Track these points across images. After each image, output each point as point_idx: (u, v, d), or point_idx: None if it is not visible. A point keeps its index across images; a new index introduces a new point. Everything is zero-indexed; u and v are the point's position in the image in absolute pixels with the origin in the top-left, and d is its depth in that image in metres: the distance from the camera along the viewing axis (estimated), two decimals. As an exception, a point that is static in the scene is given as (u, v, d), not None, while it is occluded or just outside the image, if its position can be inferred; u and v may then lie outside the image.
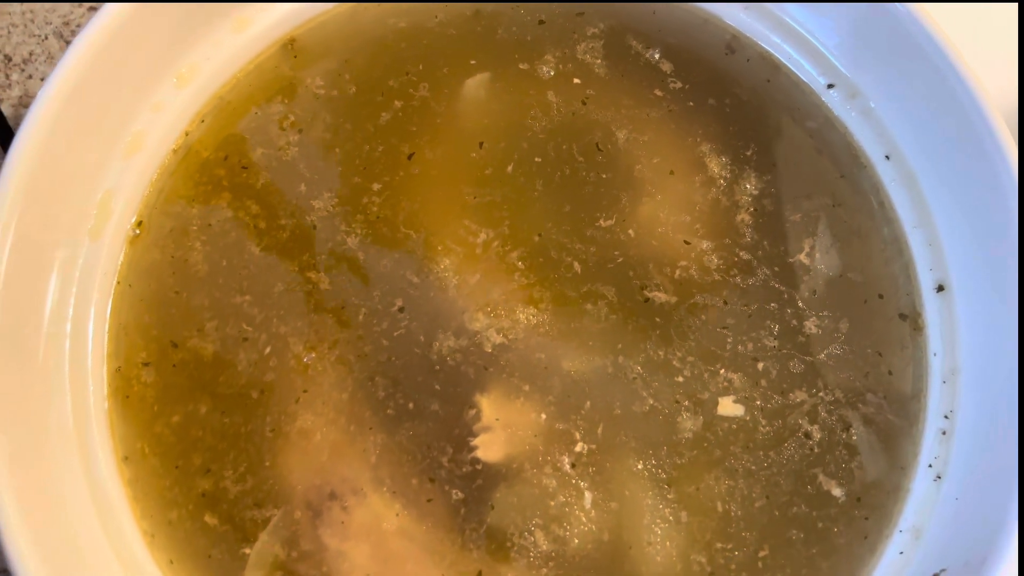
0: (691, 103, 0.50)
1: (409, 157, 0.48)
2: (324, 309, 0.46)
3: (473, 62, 0.50)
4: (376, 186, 0.48)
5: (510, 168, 0.49)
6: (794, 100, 0.51)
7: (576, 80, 0.50)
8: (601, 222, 0.48)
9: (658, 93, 0.50)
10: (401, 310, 0.46)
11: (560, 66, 0.51)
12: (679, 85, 0.51)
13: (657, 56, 0.51)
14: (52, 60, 0.60)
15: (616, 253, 0.47)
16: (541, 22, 0.51)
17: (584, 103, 0.50)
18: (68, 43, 0.60)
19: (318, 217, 0.47)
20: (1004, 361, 0.43)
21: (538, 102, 0.50)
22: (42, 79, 0.59)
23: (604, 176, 0.49)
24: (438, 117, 0.49)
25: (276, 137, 0.49)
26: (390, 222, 0.47)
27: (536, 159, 0.49)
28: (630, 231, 0.48)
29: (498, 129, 0.49)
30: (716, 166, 0.49)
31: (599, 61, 0.51)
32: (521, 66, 0.51)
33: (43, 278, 0.43)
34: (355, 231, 0.47)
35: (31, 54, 0.59)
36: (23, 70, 0.59)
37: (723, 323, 0.46)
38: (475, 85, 0.50)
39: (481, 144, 0.49)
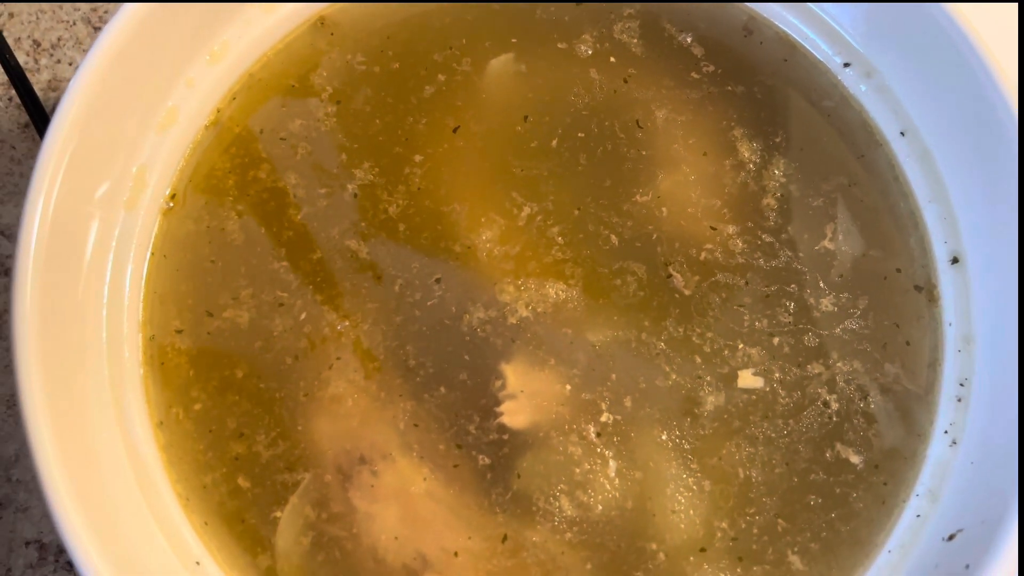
0: (728, 87, 0.52)
1: (455, 130, 0.49)
2: (360, 278, 0.47)
3: (514, 40, 0.52)
4: (418, 157, 0.49)
5: (555, 142, 0.50)
6: (811, 79, 0.52)
7: (612, 59, 0.52)
8: (638, 197, 0.49)
9: (694, 76, 0.52)
10: (438, 281, 0.47)
11: (597, 45, 0.52)
12: (711, 68, 0.52)
13: (689, 40, 0.52)
14: (80, 45, 0.61)
15: (650, 228, 0.48)
16: (578, 2, 0.53)
17: (626, 81, 0.51)
18: (96, 29, 0.62)
19: (359, 186, 0.48)
20: (1016, 328, 0.45)
21: (581, 79, 0.51)
22: (70, 64, 0.60)
23: (644, 153, 0.50)
24: (482, 92, 0.51)
25: (315, 109, 0.50)
26: (432, 194, 0.48)
27: (579, 134, 0.50)
28: (664, 208, 0.49)
29: (542, 104, 0.51)
30: (746, 150, 0.50)
31: (635, 41, 0.52)
32: (560, 45, 0.52)
33: (80, 248, 0.44)
34: (396, 201, 0.48)
35: (59, 39, 0.61)
36: (52, 55, 0.60)
37: (741, 301, 0.48)
38: (500, 64, 0.51)
39: (526, 118, 0.50)
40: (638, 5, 0.53)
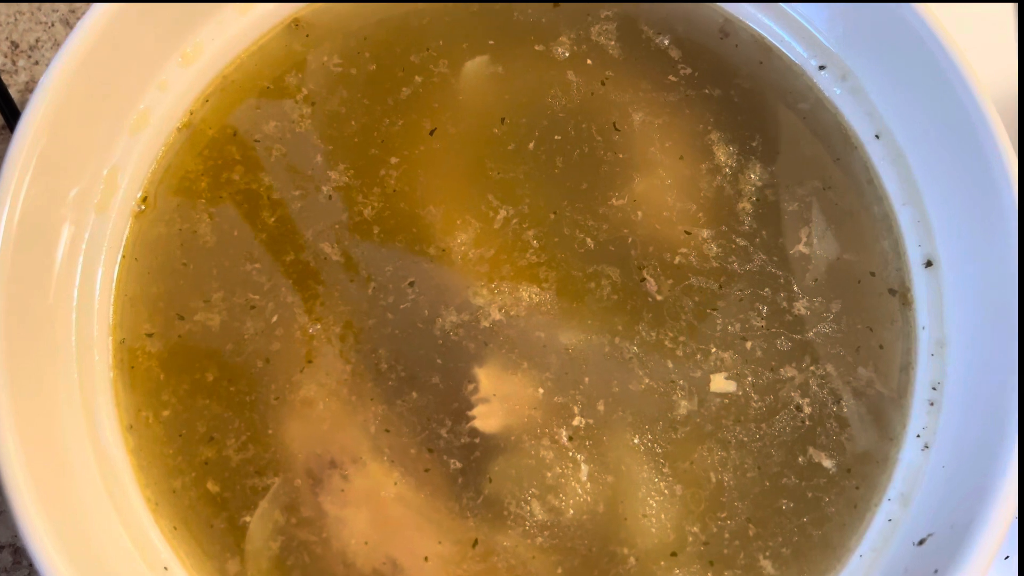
0: (705, 90, 0.51)
1: (431, 132, 0.49)
2: (333, 280, 0.47)
3: (491, 42, 0.51)
4: (394, 159, 0.49)
5: (531, 145, 0.50)
6: (787, 82, 0.52)
7: (589, 61, 0.51)
8: (614, 201, 0.49)
9: (671, 79, 0.52)
10: (411, 284, 0.47)
11: (574, 47, 0.52)
12: (688, 71, 0.52)
13: (666, 42, 0.52)
14: (58, 47, 0.60)
15: (625, 231, 0.48)
16: (556, 4, 0.52)
17: (603, 84, 0.51)
18: (74, 30, 0.61)
19: (334, 188, 0.48)
20: (989, 333, 0.45)
21: (558, 81, 0.51)
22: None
23: (620, 156, 0.50)
24: (459, 94, 0.50)
25: (289, 110, 0.49)
26: (407, 196, 0.48)
27: (556, 137, 0.50)
28: (639, 212, 0.49)
29: (519, 106, 0.50)
30: (722, 154, 0.50)
31: (613, 43, 0.52)
32: (537, 47, 0.52)
33: (50, 251, 0.44)
34: (371, 203, 0.48)
35: (37, 41, 0.60)
36: (30, 56, 0.60)
37: (714, 305, 0.47)
38: (477, 66, 0.51)
39: (503, 120, 0.50)
40: (615, 7, 0.53)
